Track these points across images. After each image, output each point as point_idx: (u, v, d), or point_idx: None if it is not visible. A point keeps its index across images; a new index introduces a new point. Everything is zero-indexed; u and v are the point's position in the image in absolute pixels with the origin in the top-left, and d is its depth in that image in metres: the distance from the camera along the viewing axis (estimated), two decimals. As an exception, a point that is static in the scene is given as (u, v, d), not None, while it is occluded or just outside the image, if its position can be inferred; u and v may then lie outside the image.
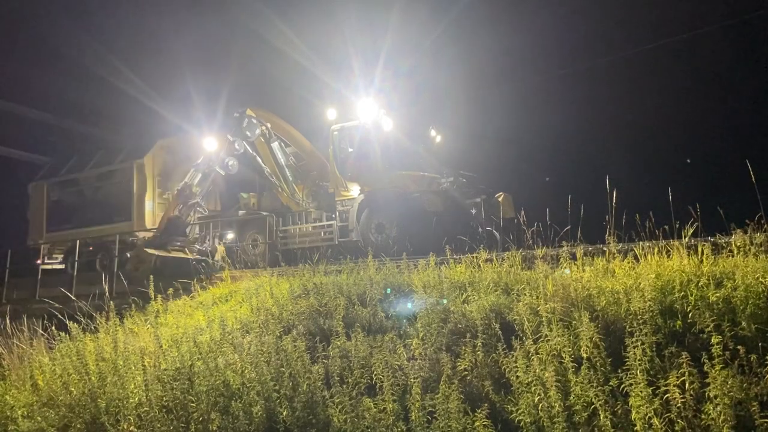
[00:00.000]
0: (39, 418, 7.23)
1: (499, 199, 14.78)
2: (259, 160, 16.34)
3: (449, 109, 20.62)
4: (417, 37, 23.79)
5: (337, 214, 15.34)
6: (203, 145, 15.63)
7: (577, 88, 22.72)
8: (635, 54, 20.77)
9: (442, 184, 14.27)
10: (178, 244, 14.37)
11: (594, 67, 21.70)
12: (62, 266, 18.69)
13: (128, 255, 13.92)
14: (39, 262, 17.43)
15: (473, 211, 13.93)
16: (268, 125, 15.98)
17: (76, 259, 16.33)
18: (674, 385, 4.38)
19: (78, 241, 16.62)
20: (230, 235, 16.91)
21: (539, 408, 4.82)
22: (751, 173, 7.35)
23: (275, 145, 16.36)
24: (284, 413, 5.65)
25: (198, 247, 14.94)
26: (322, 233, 15.57)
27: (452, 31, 23.65)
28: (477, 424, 4.73)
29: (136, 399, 6.72)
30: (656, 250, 7.00)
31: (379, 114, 15.17)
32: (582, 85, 22.58)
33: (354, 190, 15.25)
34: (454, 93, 22.41)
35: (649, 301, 5.53)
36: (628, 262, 6.96)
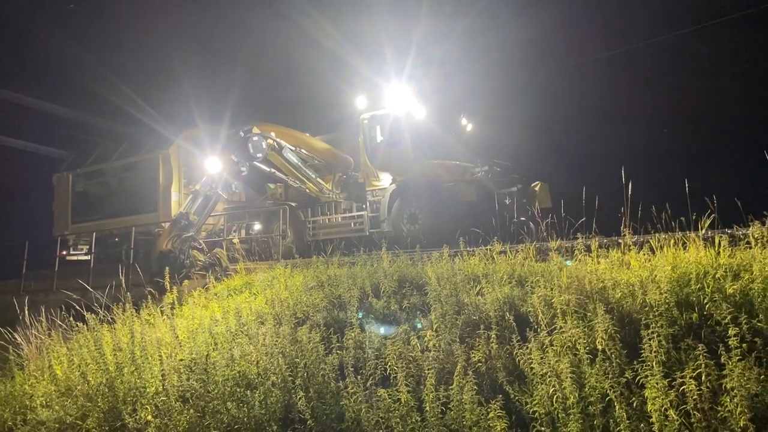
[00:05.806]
0: (57, 407, 7.32)
1: (536, 189, 14.45)
2: (279, 174, 15.54)
3: (482, 96, 20.23)
4: (449, 23, 23.45)
5: (368, 204, 15.06)
6: (205, 167, 14.67)
7: (591, 78, 22.43)
8: (654, 43, 20.46)
9: (476, 174, 13.96)
10: (183, 275, 13.05)
11: (612, 57, 21.41)
12: (87, 257, 18.70)
13: None
14: (64, 253, 17.36)
15: (507, 201, 13.63)
16: (272, 134, 14.99)
17: (92, 250, 16.38)
18: (690, 377, 4.36)
19: (102, 232, 16.53)
20: (257, 226, 16.80)
21: (554, 399, 4.81)
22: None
23: (287, 152, 15.39)
24: (300, 403, 5.69)
25: (201, 263, 13.75)
26: (353, 224, 15.29)
27: (485, 17, 23.13)
28: (491, 415, 4.73)
29: (153, 389, 6.80)
30: (672, 242, 6.96)
31: (410, 102, 14.86)
32: (597, 75, 22.30)
33: (385, 180, 14.94)
34: (487, 80, 22.14)
35: (665, 293, 5.51)
36: (644, 254, 6.92)
